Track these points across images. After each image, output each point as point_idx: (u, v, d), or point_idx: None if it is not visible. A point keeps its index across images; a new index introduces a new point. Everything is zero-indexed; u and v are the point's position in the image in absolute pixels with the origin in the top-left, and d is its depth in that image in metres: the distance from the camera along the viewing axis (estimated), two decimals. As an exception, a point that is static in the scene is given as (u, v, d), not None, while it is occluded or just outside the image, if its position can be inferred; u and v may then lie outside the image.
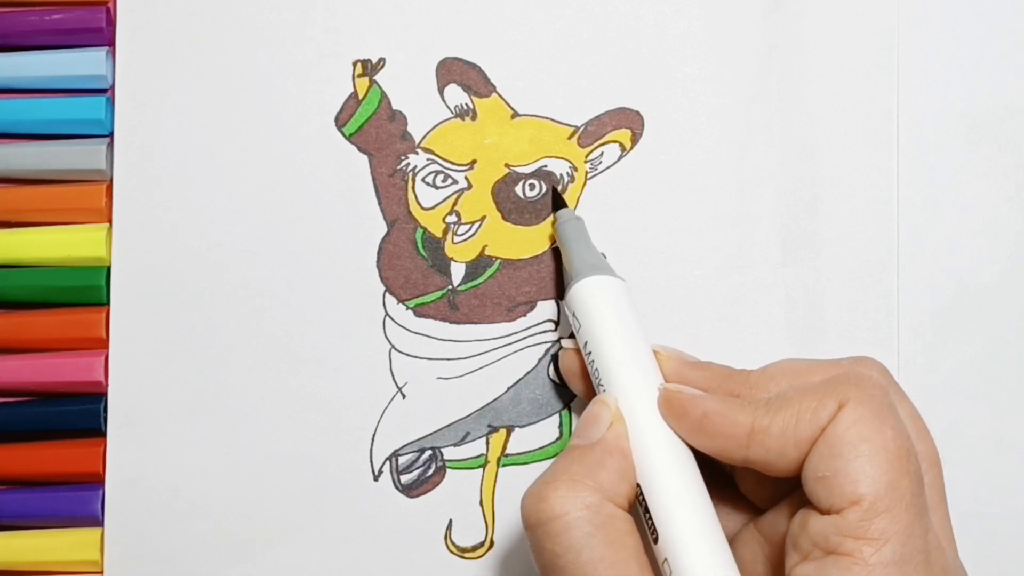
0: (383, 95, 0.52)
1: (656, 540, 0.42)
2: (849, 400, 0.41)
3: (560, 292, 0.51)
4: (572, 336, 0.48)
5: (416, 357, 0.51)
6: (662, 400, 0.44)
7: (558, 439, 0.51)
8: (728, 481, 0.46)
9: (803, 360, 0.45)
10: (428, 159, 0.52)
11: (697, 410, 0.43)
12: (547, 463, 0.51)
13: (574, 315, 0.47)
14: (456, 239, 0.52)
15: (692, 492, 0.43)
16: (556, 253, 0.51)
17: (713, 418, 0.43)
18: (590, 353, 0.46)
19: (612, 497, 0.42)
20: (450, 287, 0.52)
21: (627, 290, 0.47)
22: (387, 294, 0.52)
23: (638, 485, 0.43)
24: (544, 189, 0.52)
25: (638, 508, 0.43)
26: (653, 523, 0.42)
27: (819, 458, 0.40)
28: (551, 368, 0.51)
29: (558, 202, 0.51)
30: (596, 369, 0.46)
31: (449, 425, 0.51)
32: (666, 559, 0.42)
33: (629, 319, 0.46)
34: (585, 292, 0.47)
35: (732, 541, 0.44)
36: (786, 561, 0.41)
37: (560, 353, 0.49)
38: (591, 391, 0.47)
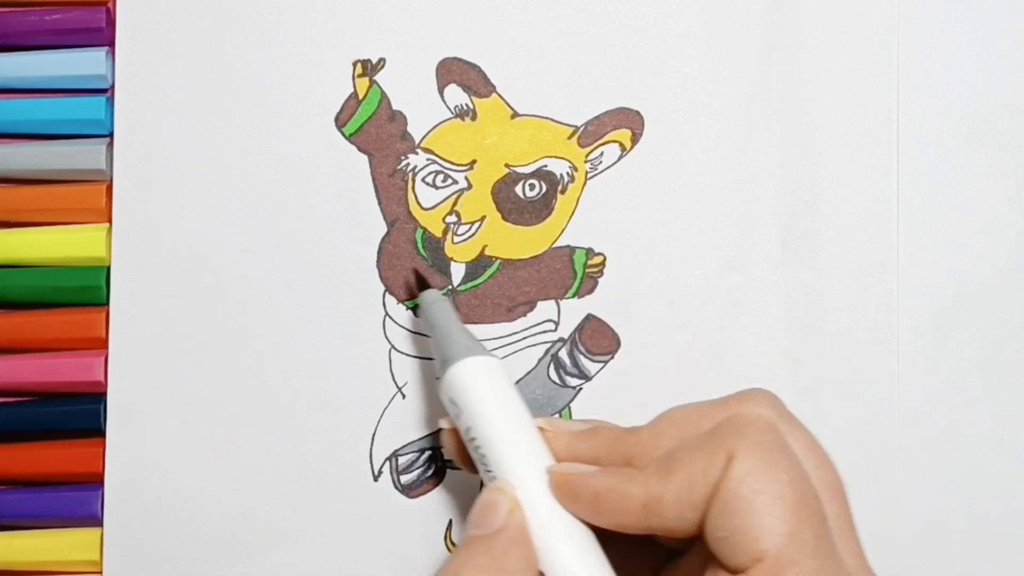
0: (383, 95, 0.52)
1: None
2: (737, 451, 0.39)
3: (560, 293, 0.52)
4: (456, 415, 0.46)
5: (416, 357, 0.51)
6: (553, 484, 0.42)
7: (558, 439, 0.51)
8: None
9: (692, 406, 0.43)
10: (428, 159, 0.52)
11: (588, 490, 0.41)
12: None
13: (452, 401, 0.45)
14: (456, 239, 0.52)
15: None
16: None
17: (605, 496, 0.41)
18: (474, 439, 0.44)
19: None
20: (450, 287, 0.52)
21: (503, 368, 0.45)
22: (387, 294, 0.52)
23: (541, 573, 0.42)
24: (544, 189, 0.52)
25: None
26: None
27: (717, 517, 0.39)
28: (551, 368, 0.51)
29: (421, 283, 0.50)
30: (483, 455, 0.44)
31: (449, 425, 0.51)
32: None
33: (510, 399, 0.44)
34: (461, 376, 0.44)
35: None
36: None
37: (442, 434, 0.46)
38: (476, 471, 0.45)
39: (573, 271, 0.52)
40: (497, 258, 0.52)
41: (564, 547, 0.42)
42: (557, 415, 0.51)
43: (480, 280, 0.52)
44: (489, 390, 0.44)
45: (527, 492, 0.42)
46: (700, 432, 0.41)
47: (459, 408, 0.44)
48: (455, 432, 0.45)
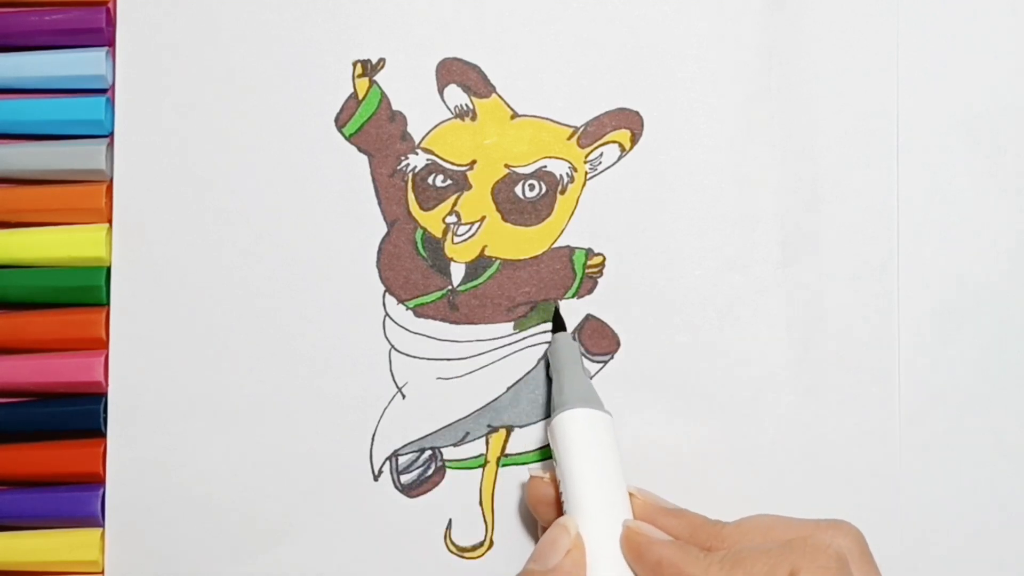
0: (383, 95, 0.52)
1: None
2: (801, 571, 0.40)
3: (560, 293, 0.51)
4: (543, 461, 0.48)
5: (416, 357, 0.51)
6: (623, 537, 0.44)
7: (558, 439, 0.51)
8: None
9: (781, 518, 0.45)
10: (428, 159, 0.52)
11: (654, 555, 0.43)
12: (547, 462, 0.51)
13: (555, 443, 0.47)
14: (456, 239, 0.52)
15: None
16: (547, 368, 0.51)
17: (667, 567, 0.43)
18: (564, 481, 0.46)
19: None
20: (450, 287, 0.52)
21: (611, 425, 0.47)
22: (387, 294, 0.52)
23: None
24: (544, 190, 0.52)
25: None
26: None
27: None
28: (551, 368, 0.51)
29: (558, 324, 0.51)
30: (566, 499, 0.46)
31: (449, 425, 0.51)
32: None
33: (608, 455, 0.46)
34: (569, 423, 0.46)
35: None
36: None
37: (530, 481, 0.49)
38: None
39: (573, 271, 0.52)
40: (497, 258, 0.52)
41: None
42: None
43: (480, 280, 0.52)
44: (589, 441, 0.46)
45: (595, 537, 0.44)
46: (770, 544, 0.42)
47: (559, 451, 0.46)
48: (540, 480, 0.48)
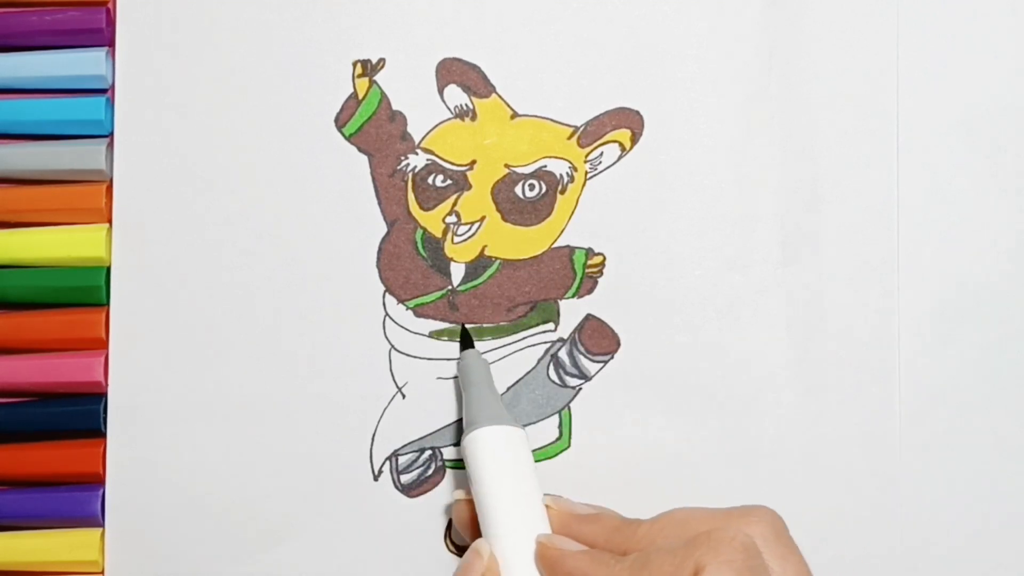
0: (383, 95, 0.52)
1: None
2: (706, 567, 0.40)
3: (560, 293, 0.52)
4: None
5: (416, 357, 0.51)
6: (537, 553, 0.44)
7: (557, 439, 0.51)
8: None
9: (696, 510, 0.44)
10: (428, 159, 0.52)
11: (565, 568, 0.43)
12: (546, 463, 0.51)
13: (467, 463, 0.47)
14: (456, 239, 0.52)
15: None
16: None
17: None
18: (478, 501, 0.46)
19: None
20: (450, 287, 0.52)
21: (523, 439, 0.47)
22: (387, 294, 0.52)
23: None
24: (544, 189, 0.52)
25: None
26: None
27: None
28: (551, 368, 0.51)
29: (466, 341, 0.51)
30: (482, 518, 0.46)
31: (449, 425, 0.51)
32: None
33: (521, 470, 0.46)
34: (479, 442, 0.47)
35: None
36: None
37: (453, 504, 0.49)
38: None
39: (573, 271, 0.52)
40: (497, 258, 0.52)
41: None
42: (558, 416, 0.51)
43: (480, 280, 0.52)
44: (500, 458, 0.46)
45: (513, 557, 0.44)
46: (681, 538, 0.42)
47: (470, 472, 0.46)
48: (465, 503, 0.48)
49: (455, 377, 0.51)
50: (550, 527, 0.46)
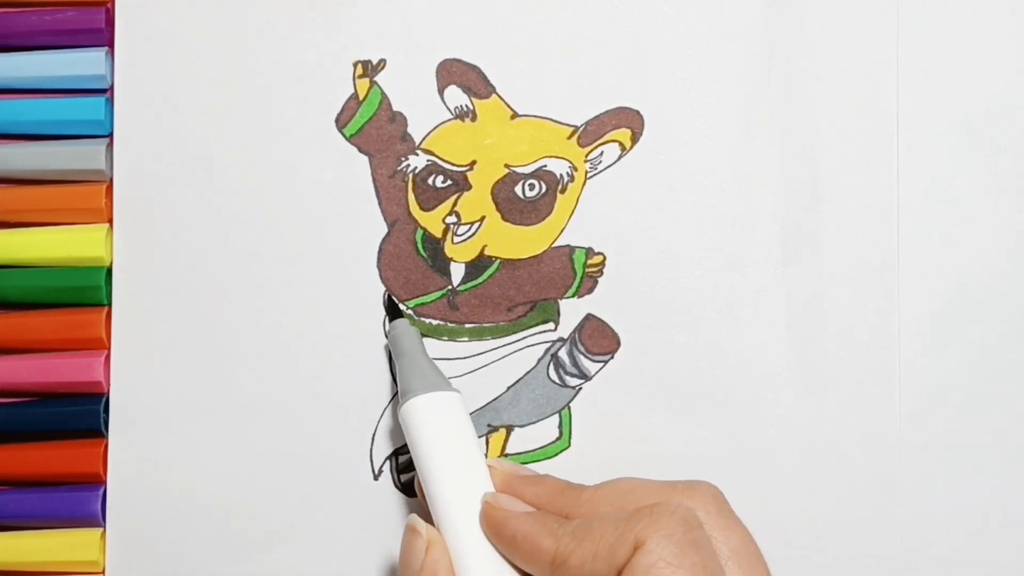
0: (383, 96, 0.52)
1: None
2: (647, 540, 0.40)
3: (560, 293, 0.52)
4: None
5: (416, 357, 0.51)
6: (482, 514, 0.44)
7: (557, 439, 0.51)
8: None
9: (641, 481, 0.44)
10: (428, 160, 0.52)
11: (509, 529, 0.43)
12: (547, 463, 0.51)
13: (406, 433, 0.47)
14: (456, 239, 0.52)
15: None
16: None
17: (521, 540, 0.42)
18: (420, 470, 0.46)
19: None
20: (450, 287, 0.52)
21: (460, 402, 0.47)
22: (387, 294, 0.52)
23: None
24: (544, 189, 0.52)
25: None
26: None
27: None
28: (551, 368, 0.51)
29: (393, 311, 0.51)
30: (426, 487, 0.46)
31: (449, 425, 0.51)
32: None
33: (461, 433, 0.46)
34: (414, 411, 0.47)
35: None
36: None
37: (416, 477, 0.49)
38: None
39: (573, 271, 0.52)
40: (497, 258, 0.52)
41: None
42: (558, 416, 0.51)
43: (480, 280, 0.52)
44: (437, 424, 0.46)
45: (458, 523, 0.44)
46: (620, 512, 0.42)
47: (409, 442, 0.46)
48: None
49: (458, 377, 0.51)
50: (494, 488, 0.46)
